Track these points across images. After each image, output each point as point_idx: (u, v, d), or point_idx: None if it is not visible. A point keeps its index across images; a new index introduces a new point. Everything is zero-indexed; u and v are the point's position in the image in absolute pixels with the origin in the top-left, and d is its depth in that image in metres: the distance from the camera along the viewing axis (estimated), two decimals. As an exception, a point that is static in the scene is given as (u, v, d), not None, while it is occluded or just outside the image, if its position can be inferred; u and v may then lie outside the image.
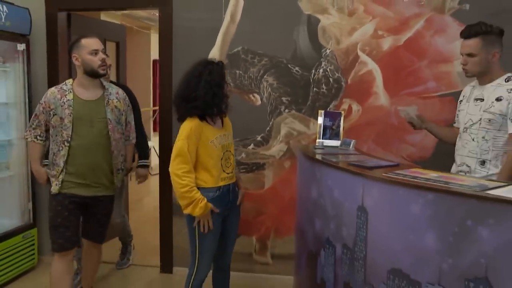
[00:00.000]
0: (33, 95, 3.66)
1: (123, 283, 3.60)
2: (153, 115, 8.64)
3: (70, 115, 2.77)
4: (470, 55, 2.51)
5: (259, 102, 3.53)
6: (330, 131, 2.87)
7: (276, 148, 3.54)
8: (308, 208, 2.51)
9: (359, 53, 3.38)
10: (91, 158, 2.83)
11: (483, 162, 2.51)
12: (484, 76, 2.54)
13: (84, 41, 2.79)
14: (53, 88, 2.86)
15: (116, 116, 2.92)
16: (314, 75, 3.45)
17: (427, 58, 3.32)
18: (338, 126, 2.88)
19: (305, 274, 2.57)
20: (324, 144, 2.82)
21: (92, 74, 2.81)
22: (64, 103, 2.79)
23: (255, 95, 3.53)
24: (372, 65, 3.37)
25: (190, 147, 2.47)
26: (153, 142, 8.29)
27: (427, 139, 3.36)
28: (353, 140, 2.79)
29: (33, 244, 3.73)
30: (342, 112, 2.93)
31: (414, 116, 2.83)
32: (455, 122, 2.82)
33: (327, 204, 2.26)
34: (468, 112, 2.61)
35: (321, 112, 2.89)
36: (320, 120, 2.86)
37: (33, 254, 3.74)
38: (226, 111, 2.63)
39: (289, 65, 3.46)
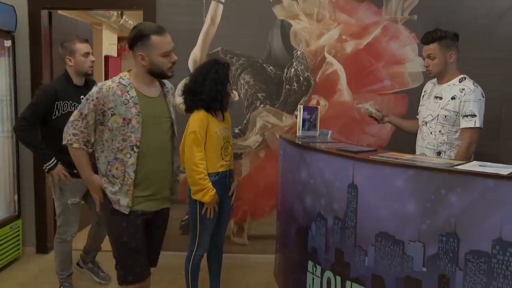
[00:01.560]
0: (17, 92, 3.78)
1: (109, 268, 3.80)
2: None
3: (139, 115, 2.36)
4: (430, 57, 2.96)
5: (236, 98, 3.89)
6: (308, 123, 3.29)
7: (252, 139, 3.92)
8: (297, 189, 2.91)
9: (326, 55, 3.83)
10: (159, 165, 2.48)
11: (439, 153, 2.99)
12: (443, 76, 2.96)
13: (155, 40, 2.39)
14: (109, 82, 2.39)
15: (175, 115, 2.64)
16: (287, 73, 3.86)
17: (383, 60, 3.83)
18: (315, 119, 3.30)
19: (295, 246, 2.97)
20: (305, 134, 3.24)
21: (159, 75, 2.50)
22: (128, 100, 2.35)
23: (233, 91, 3.88)
24: (337, 66, 3.84)
25: (202, 136, 2.79)
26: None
27: (383, 130, 3.89)
28: (330, 131, 3.23)
29: (19, 235, 3.85)
30: (318, 107, 3.36)
31: (373, 111, 3.25)
32: (417, 115, 3.26)
33: (318, 184, 2.67)
34: (429, 108, 3.05)
35: (300, 107, 3.29)
36: (300, 114, 3.27)
37: (18, 244, 3.86)
38: (227, 106, 2.97)
39: (264, 65, 3.85)
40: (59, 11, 4.14)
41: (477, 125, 2.83)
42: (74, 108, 3.12)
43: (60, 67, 4.04)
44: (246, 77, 3.84)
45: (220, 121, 2.95)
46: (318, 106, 3.36)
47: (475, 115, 2.83)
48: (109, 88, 2.35)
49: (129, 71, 2.46)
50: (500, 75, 3.73)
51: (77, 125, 2.37)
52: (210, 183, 2.81)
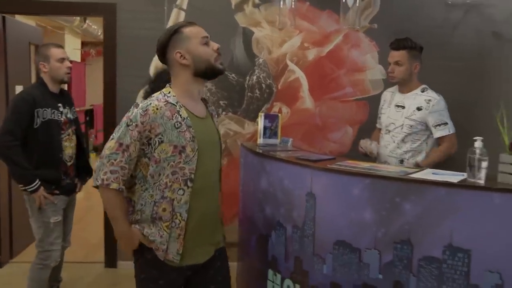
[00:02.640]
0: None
1: (69, 280, 3.72)
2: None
3: (193, 141, 1.92)
4: (397, 63, 3.01)
5: (199, 105, 3.86)
6: (269, 131, 3.30)
7: (215, 147, 3.90)
8: (257, 197, 2.90)
9: (288, 62, 3.85)
10: (211, 203, 2.06)
11: (401, 161, 3.06)
12: (406, 84, 3.02)
13: (188, 31, 2.07)
14: (154, 102, 1.89)
15: None
16: (249, 81, 3.86)
17: (345, 67, 3.88)
18: (276, 127, 3.31)
19: (256, 255, 2.96)
20: (266, 142, 3.24)
21: (209, 70, 2.04)
22: (180, 123, 1.90)
23: (196, 98, 3.86)
24: (299, 73, 3.87)
25: None
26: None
27: (345, 137, 3.93)
28: (291, 139, 3.24)
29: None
30: (279, 114, 3.36)
31: (374, 152, 3.11)
32: (377, 123, 3.32)
33: (278, 192, 2.68)
34: (389, 116, 3.11)
35: (261, 114, 3.29)
36: (261, 121, 3.27)
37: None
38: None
39: (226, 72, 3.83)
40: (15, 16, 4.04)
41: (452, 131, 2.95)
42: (55, 116, 2.99)
43: (15, 72, 3.96)
44: (208, 85, 3.82)
45: None
46: (279, 114, 3.37)
47: (447, 123, 2.94)
48: (157, 109, 1.86)
49: (169, 86, 2.01)
50: (456, 83, 3.83)
51: (115, 160, 1.84)
52: None
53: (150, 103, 1.88)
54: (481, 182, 2.03)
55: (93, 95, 9.56)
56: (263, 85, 3.86)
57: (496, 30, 3.88)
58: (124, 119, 1.90)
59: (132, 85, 3.77)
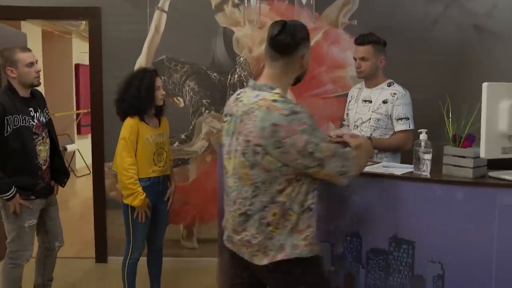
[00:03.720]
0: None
1: (61, 275, 3.84)
2: (77, 118, 8.73)
3: None
4: (363, 59, 3.00)
5: (182, 105, 3.96)
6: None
7: (198, 144, 3.99)
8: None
9: (269, 60, 3.90)
10: None
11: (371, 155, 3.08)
12: (372, 79, 3.02)
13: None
14: (296, 107, 1.72)
15: None
16: (230, 79, 3.94)
17: (325, 64, 3.92)
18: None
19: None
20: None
21: (299, 77, 1.97)
22: None
23: (179, 98, 3.95)
24: (280, 71, 3.91)
25: (132, 142, 2.89)
26: (78, 145, 8.41)
27: (327, 133, 3.96)
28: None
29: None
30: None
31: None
32: (344, 120, 3.32)
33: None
34: (357, 111, 3.12)
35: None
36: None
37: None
38: (161, 113, 3.09)
39: (208, 71, 3.92)
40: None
41: (411, 127, 2.93)
42: (26, 122, 2.93)
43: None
44: (191, 84, 3.91)
45: (154, 128, 3.02)
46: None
47: (408, 118, 2.94)
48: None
49: (272, 87, 1.78)
50: (437, 77, 3.83)
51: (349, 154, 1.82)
52: (140, 188, 2.88)
53: (297, 104, 1.74)
54: (426, 174, 2.06)
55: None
56: (245, 84, 3.93)
57: (477, 23, 3.87)
58: (303, 126, 1.67)
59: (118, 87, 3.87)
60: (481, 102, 1.97)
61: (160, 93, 2.99)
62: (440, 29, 3.86)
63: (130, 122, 2.92)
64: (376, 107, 2.99)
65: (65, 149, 7.89)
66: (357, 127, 3.09)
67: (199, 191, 4.01)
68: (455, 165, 2.05)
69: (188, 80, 3.89)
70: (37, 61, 3.03)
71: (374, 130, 3.00)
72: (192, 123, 3.95)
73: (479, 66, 3.86)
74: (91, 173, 4.06)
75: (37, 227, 3.12)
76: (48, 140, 3.10)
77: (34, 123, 2.98)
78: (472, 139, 2.03)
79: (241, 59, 3.91)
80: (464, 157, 2.02)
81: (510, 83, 1.99)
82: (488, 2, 3.85)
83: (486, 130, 1.93)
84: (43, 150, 3.03)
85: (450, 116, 2.13)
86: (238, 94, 1.87)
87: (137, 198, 2.87)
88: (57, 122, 7.54)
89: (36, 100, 3.10)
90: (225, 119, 1.88)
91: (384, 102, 2.97)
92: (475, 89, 3.73)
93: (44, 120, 3.09)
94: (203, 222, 4.08)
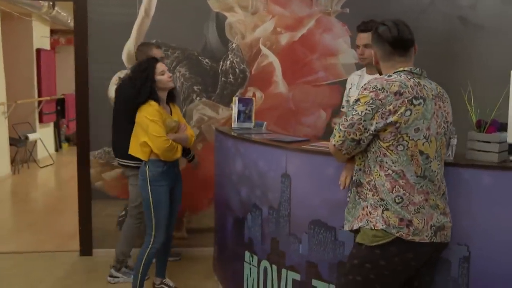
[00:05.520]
0: None
1: (44, 269, 3.68)
2: (39, 106, 8.33)
3: None
4: (366, 45, 3.03)
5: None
6: (243, 115, 3.31)
7: (190, 132, 3.89)
8: (233, 180, 2.93)
9: (261, 47, 3.86)
10: None
11: None
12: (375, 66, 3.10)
13: None
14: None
15: None
16: (222, 66, 3.86)
17: (317, 52, 3.91)
18: (250, 111, 3.33)
19: (232, 238, 2.99)
20: (240, 126, 3.25)
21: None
22: None
23: (169, 84, 3.83)
24: (272, 58, 3.88)
25: (161, 123, 2.85)
26: (40, 134, 8.04)
27: (319, 121, 3.98)
28: (265, 122, 3.27)
29: None
30: (253, 98, 3.38)
31: None
32: (343, 107, 3.38)
33: (253, 174, 2.70)
34: None
35: (235, 99, 3.30)
36: (235, 106, 3.28)
37: None
38: (172, 100, 3.06)
39: (199, 57, 3.82)
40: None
41: None
42: None
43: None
44: (182, 70, 3.80)
45: (169, 114, 2.96)
46: (253, 98, 3.39)
47: None
48: None
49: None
50: (425, 66, 3.88)
51: None
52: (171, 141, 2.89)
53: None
54: (450, 158, 2.09)
55: (63, 84, 9.36)
56: (237, 70, 3.87)
57: (461, 15, 3.98)
58: None
59: (105, 72, 3.72)
60: (508, 87, 2.02)
61: (166, 76, 2.89)
62: (428, 19, 3.94)
63: (153, 107, 2.85)
64: None
65: (27, 138, 7.53)
66: None
67: (189, 180, 3.88)
68: (479, 150, 2.09)
69: (179, 66, 3.78)
70: None
71: None
72: (183, 110, 3.84)
73: (464, 55, 3.98)
74: (77, 160, 3.86)
75: None
76: None
77: None
78: (497, 125, 2.08)
79: (234, 45, 3.84)
80: (489, 142, 2.06)
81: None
82: (472, -7, 3.97)
83: (513, 116, 1.99)
84: None
85: (472, 103, 2.17)
86: (408, 79, 1.87)
87: (177, 150, 2.93)
88: (18, 110, 7.24)
89: None
90: (415, 102, 1.82)
91: None
92: (461, 77, 3.88)
93: None
94: (193, 212, 4.00)
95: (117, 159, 3.38)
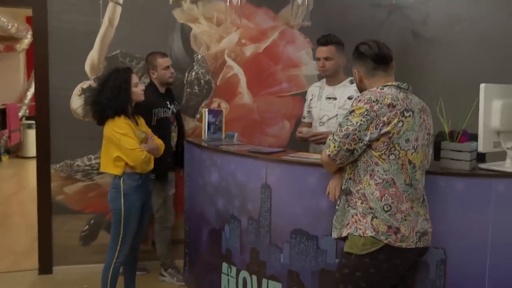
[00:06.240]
0: None
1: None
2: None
3: None
4: (327, 58, 3.13)
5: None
6: (213, 127, 3.32)
7: (155, 144, 3.84)
8: (208, 192, 2.92)
9: (226, 58, 3.89)
10: None
11: None
12: (335, 77, 3.16)
13: None
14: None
15: None
16: (188, 77, 3.85)
17: (281, 63, 4.00)
18: (220, 122, 3.35)
19: (208, 249, 2.98)
20: (211, 137, 3.26)
21: None
22: None
23: (134, 95, 3.77)
24: (237, 69, 3.92)
25: (132, 135, 2.80)
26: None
27: (283, 131, 4.06)
28: (236, 133, 3.30)
29: None
30: (223, 110, 3.40)
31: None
32: (304, 118, 3.39)
33: (231, 186, 2.72)
34: (322, 109, 3.22)
35: (205, 110, 3.31)
36: (205, 117, 3.28)
37: None
38: (139, 112, 3.00)
39: (165, 68, 3.79)
40: None
41: None
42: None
43: None
44: (147, 81, 3.75)
45: (135, 124, 2.91)
46: (223, 110, 3.41)
47: None
48: None
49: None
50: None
51: None
52: (144, 152, 2.83)
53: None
54: (427, 167, 2.21)
55: (4, 93, 8.90)
56: (202, 81, 3.87)
57: (414, 29, 4.20)
58: None
59: (66, 82, 3.61)
60: (476, 100, 2.17)
61: (139, 89, 2.86)
62: (385, 32, 4.13)
63: (123, 121, 2.79)
64: (341, 103, 3.12)
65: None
66: (323, 123, 3.18)
67: (155, 192, 3.86)
68: (452, 159, 2.23)
69: (143, 77, 3.73)
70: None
71: None
72: (148, 121, 3.79)
73: (418, 68, 4.20)
74: (36, 173, 3.70)
75: None
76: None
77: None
78: (467, 135, 2.23)
79: (199, 56, 3.84)
80: (461, 151, 2.21)
81: (501, 84, 2.21)
82: (423, 10, 4.19)
83: (483, 127, 2.14)
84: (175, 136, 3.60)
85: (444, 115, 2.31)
86: (398, 92, 1.98)
87: (151, 161, 2.89)
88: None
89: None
90: (406, 114, 1.91)
91: (349, 98, 3.11)
92: (416, 89, 4.09)
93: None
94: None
95: None
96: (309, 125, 3.37)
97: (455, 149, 2.22)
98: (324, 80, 3.28)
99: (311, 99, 3.29)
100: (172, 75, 3.51)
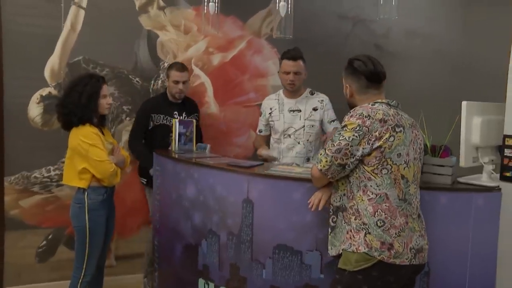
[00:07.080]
0: None
1: None
2: None
3: None
4: (297, 73, 3.14)
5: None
6: (184, 137, 3.23)
7: (118, 154, 3.68)
8: (183, 206, 2.83)
9: (193, 67, 3.80)
10: None
11: (308, 159, 3.22)
12: (298, 90, 3.18)
13: None
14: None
15: None
16: (154, 85, 3.73)
17: (248, 73, 3.96)
18: (191, 133, 3.26)
19: (182, 265, 2.88)
20: (182, 149, 3.16)
21: None
22: None
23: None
24: (204, 78, 3.85)
25: (101, 146, 2.69)
26: None
27: (249, 141, 4.01)
28: (208, 145, 3.22)
29: None
30: (194, 120, 3.32)
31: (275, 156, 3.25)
32: (261, 132, 3.38)
33: (209, 200, 2.65)
34: (286, 121, 3.19)
35: (176, 121, 3.21)
36: (176, 128, 3.19)
37: None
38: (104, 122, 2.87)
39: (130, 76, 3.65)
40: None
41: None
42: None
43: None
44: (111, 89, 3.59)
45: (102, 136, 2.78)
46: (194, 120, 3.33)
47: (336, 119, 3.19)
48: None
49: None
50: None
51: None
52: (112, 164, 2.75)
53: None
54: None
55: None
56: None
57: (376, 42, 4.31)
58: None
59: (23, 89, 3.38)
60: (458, 117, 2.24)
61: (106, 102, 2.75)
62: (350, 45, 4.20)
63: (90, 130, 2.68)
64: (307, 115, 3.16)
65: None
66: (289, 135, 3.19)
67: (117, 203, 3.67)
68: (434, 173, 2.28)
69: (107, 85, 3.56)
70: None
71: (310, 135, 3.17)
72: (112, 130, 3.63)
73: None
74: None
75: None
76: None
77: None
78: (448, 151, 2.29)
79: (166, 64, 3.73)
80: (443, 166, 2.26)
81: (481, 102, 2.29)
82: (385, 24, 4.31)
83: (465, 142, 2.20)
84: None
85: (425, 128, 2.36)
86: (389, 108, 1.99)
87: (118, 173, 2.81)
88: None
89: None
90: (397, 129, 1.93)
91: (315, 109, 3.16)
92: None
93: None
94: (121, 237, 3.77)
95: None
96: (266, 138, 3.37)
97: (437, 164, 2.27)
98: (279, 92, 3.31)
99: (270, 113, 3.27)
100: (179, 91, 3.42)
